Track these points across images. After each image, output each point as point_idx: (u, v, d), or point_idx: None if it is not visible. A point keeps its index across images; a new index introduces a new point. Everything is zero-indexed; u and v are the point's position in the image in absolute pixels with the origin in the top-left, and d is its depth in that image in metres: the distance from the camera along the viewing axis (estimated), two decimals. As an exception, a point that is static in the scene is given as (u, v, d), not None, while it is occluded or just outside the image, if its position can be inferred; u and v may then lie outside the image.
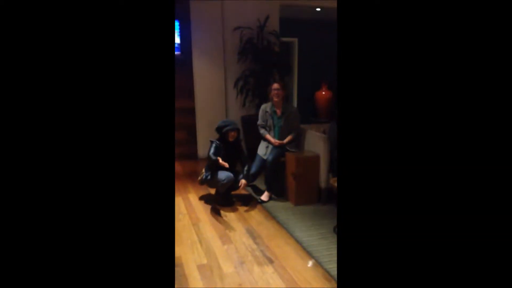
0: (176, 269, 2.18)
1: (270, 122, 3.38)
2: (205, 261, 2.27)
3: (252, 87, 4.50)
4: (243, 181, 3.02)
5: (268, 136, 3.36)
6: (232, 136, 3.07)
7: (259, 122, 3.45)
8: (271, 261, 2.27)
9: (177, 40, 4.25)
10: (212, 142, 3.07)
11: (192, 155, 4.60)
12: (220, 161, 2.86)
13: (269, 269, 2.17)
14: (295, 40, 5.83)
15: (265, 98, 3.75)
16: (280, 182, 3.36)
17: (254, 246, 2.46)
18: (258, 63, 4.48)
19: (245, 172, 3.09)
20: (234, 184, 3.06)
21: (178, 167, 4.37)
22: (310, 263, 2.25)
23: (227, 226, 2.78)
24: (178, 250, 2.40)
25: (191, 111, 4.52)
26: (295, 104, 5.87)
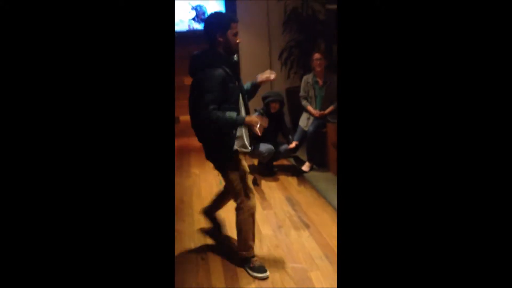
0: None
1: (311, 92, 3.38)
2: (245, 224, 2.45)
3: (297, 58, 4.46)
4: (294, 142, 3.20)
5: (310, 108, 3.38)
6: (273, 107, 3.14)
7: (301, 93, 3.47)
8: (307, 226, 2.38)
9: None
10: (255, 110, 3.18)
11: (238, 128, 4.78)
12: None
13: (305, 233, 2.28)
14: (343, 6, 5.58)
15: (310, 69, 3.72)
16: (321, 153, 3.40)
17: (292, 212, 2.58)
18: (302, 33, 4.41)
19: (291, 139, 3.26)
20: (275, 155, 3.16)
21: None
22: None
23: (268, 193, 2.92)
24: (222, 212, 2.61)
25: (237, 85, 4.65)
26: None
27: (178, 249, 2.19)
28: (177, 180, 3.31)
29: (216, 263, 2.05)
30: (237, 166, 1.80)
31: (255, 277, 1.89)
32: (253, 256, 1.94)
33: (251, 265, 1.92)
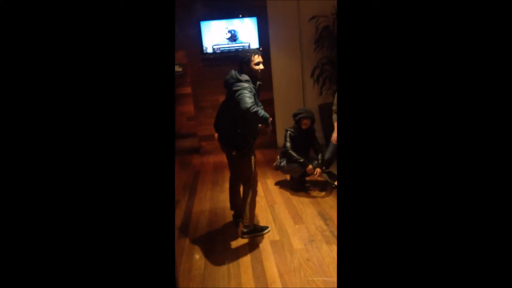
0: (251, 242, 2.43)
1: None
2: (277, 238, 2.47)
3: (329, 75, 4.51)
4: (318, 170, 3.12)
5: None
6: (304, 123, 3.18)
7: (334, 107, 3.48)
8: (339, 241, 2.35)
9: (256, 36, 4.51)
10: (286, 130, 3.24)
11: (271, 144, 4.84)
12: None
13: (336, 248, 2.26)
14: (376, 22, 5.57)
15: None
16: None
17: (324, 227, 2.56)
18: (334, 50, 4.46)
19: (319, 160, 3.18)
20: (307, 170, 3.17)
21: (258, 155, 4.65)
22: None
23: (300, 208, 2.92)
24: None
25: (270, 102, 4.75)
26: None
27: (210, 256, 2.26)
28: (211, 194, 3.41)
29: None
30: (253, 151, 2.47)
31: (264, 234, 2.51)
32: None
33: (258, 227, 2.55)
